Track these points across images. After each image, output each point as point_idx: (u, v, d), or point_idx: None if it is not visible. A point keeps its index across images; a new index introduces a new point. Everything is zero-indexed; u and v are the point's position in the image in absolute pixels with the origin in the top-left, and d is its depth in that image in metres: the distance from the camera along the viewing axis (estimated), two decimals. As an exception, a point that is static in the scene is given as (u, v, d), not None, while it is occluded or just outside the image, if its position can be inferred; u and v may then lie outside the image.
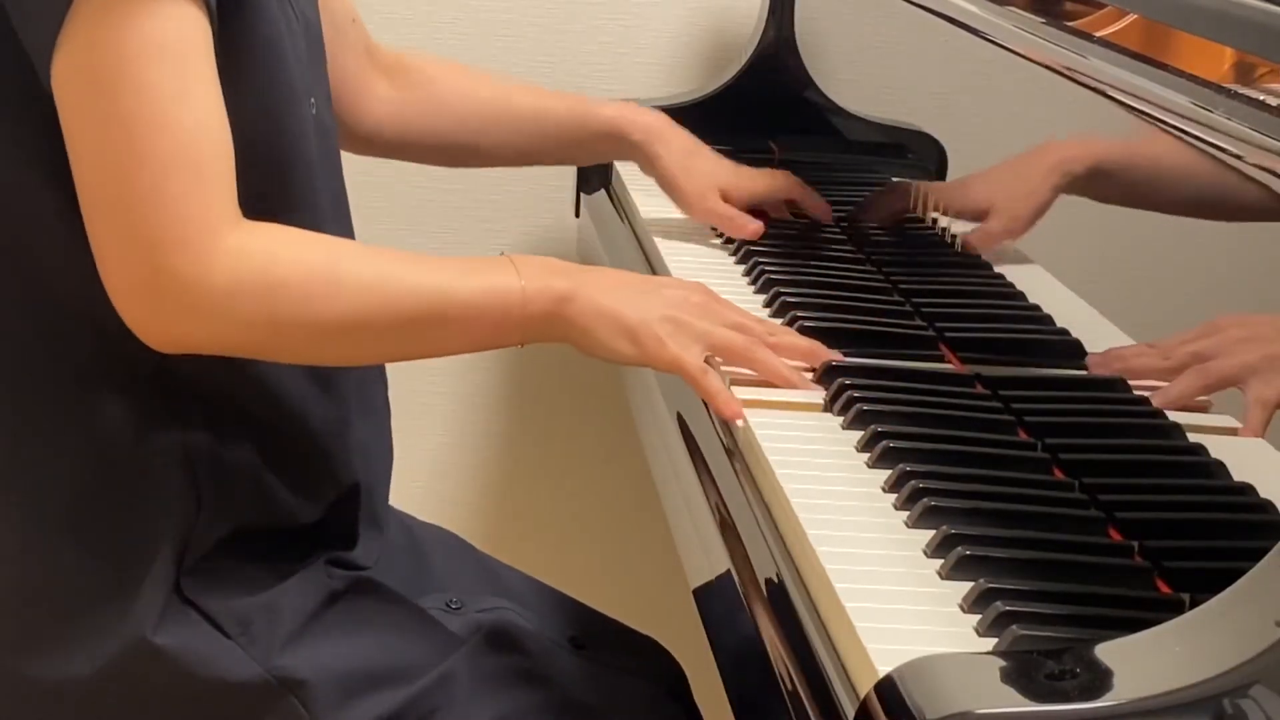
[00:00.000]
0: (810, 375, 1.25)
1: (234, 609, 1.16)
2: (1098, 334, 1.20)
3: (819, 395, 1.22)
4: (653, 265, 1.57)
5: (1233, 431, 1.04)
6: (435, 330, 1.16)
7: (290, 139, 1.18)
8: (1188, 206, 1.08)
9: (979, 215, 1.31)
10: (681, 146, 1.57)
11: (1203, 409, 1.08)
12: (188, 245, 1.06)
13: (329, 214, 1.24)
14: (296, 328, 1.11)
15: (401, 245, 2.05)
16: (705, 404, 1.25)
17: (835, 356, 1.26)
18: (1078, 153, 1.18)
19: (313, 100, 1.21)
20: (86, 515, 1.15)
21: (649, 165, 1.58)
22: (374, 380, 1.32)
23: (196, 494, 1.16)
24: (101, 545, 1.15)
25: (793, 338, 1.28)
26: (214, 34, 1.09)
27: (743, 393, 1.22)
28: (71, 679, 1.15)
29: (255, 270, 1.09)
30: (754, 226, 1.54)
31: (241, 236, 1.09)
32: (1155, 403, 1.10)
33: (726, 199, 1.56)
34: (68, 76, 1.06)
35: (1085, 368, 1.19)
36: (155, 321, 1.10)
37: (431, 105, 1.51)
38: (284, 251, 1.11)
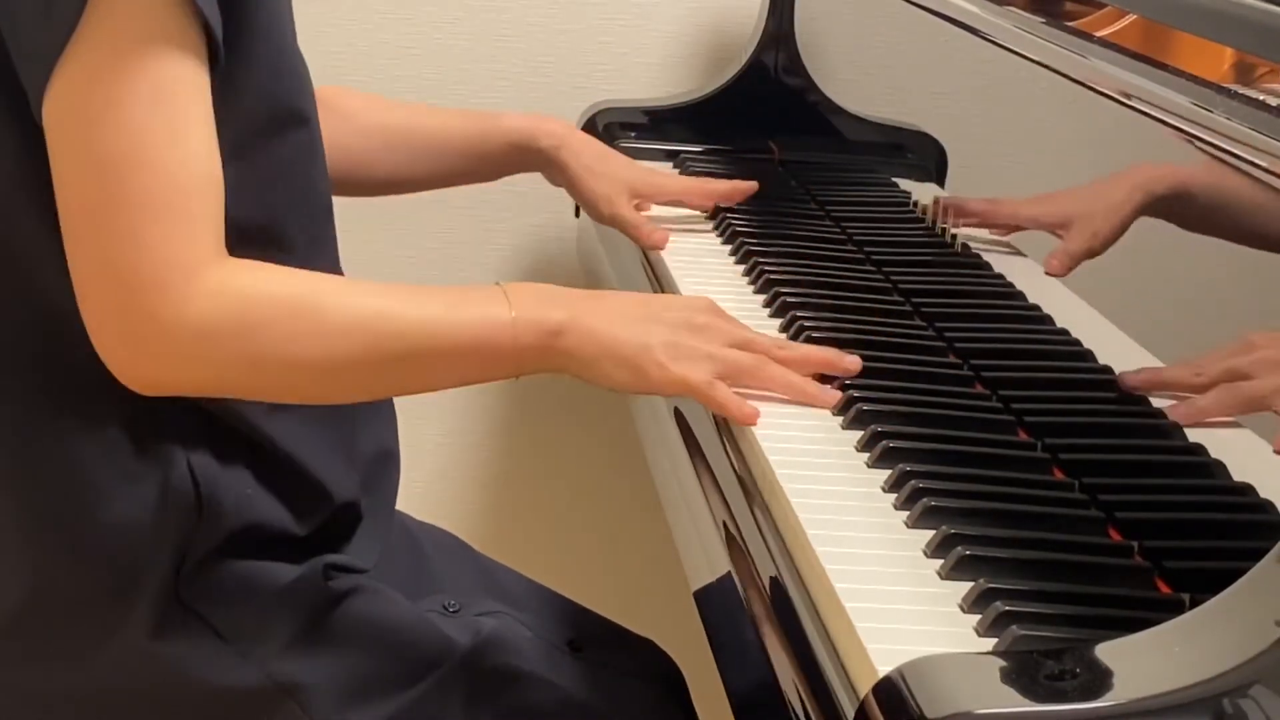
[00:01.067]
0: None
1: (232, 614, 1.16)
2: (1098, 334, 1.20)
3: (833, 399, 1.21)
4: (651, 263, 1.57)
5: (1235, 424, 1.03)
6: (422, 368, 1.14)
7: (307, 143, 1.18)
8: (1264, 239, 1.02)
9: (1055, 230, 1.25)
10: (590, 151, 1.57)
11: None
12: (164, 288, 1.05)
13: (331, 220, 1.24)
14: (276, 369, 1.09)
15: (402, 245, 2.05)
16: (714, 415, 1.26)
17: (854, 362, 1.23)
18: (1163, 174, 1.13)
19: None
20: (85, 524, 1.15)
21: (558, 173, 1.57)
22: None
23: (197, 503, 1.15)
24: (100, 554, 1.15)
25: (804, 350, 1.25)
26: (221, 59, 1.08)
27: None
28: (70, 685, 1.15)
29: (233, 312, 1.07)
30: (659, 236, 1.55)
31: (221, 276, 1.07)
32: (1181, 417, 1.08)
33: (638, 203, 1.58)
34: (57, 114, 1.05)
35: (1108, 377, 1.17)
36: (133, 364, 1.08)
37: (353, 137, 1.49)
38: (264, 290, 1.09)
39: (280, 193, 1.17)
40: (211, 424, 1.16)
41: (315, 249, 1.20)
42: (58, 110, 1.05)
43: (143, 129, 1.04)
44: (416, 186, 1.60)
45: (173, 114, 1.05)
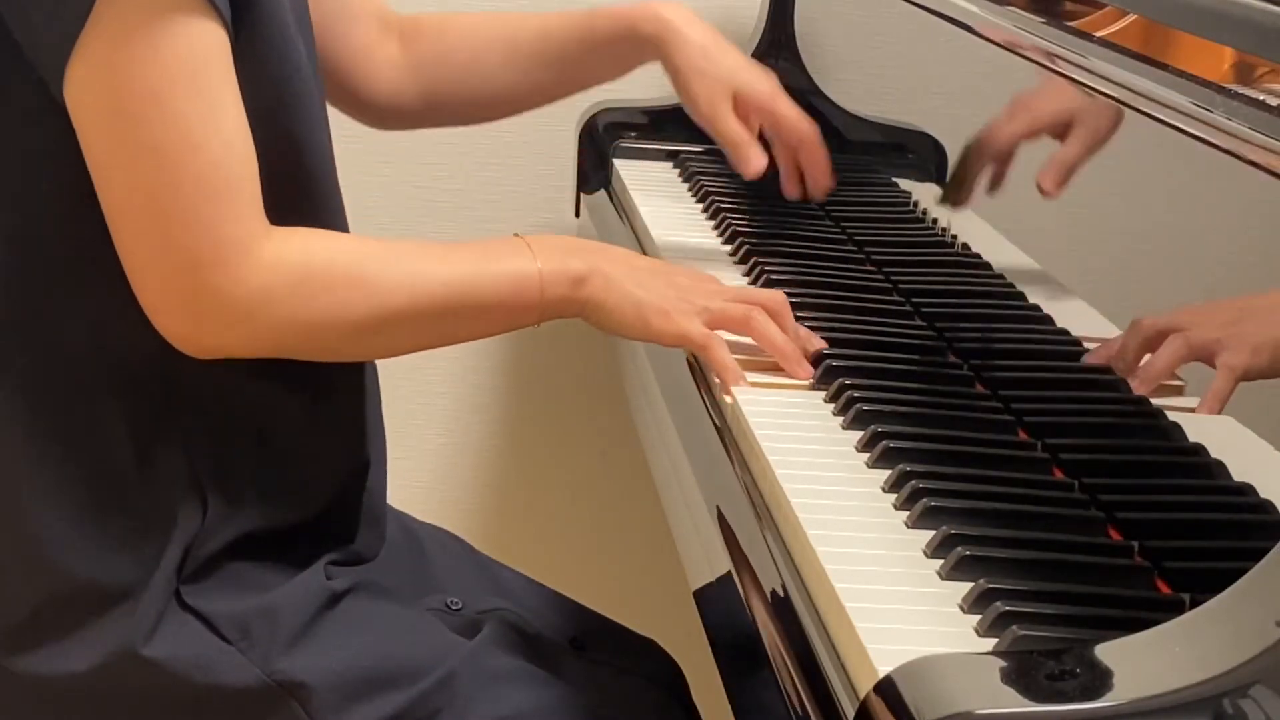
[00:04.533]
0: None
1: (233, 614, 1.16)
2: (1098, 334, 1.20)
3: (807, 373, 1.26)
4: (653, 265, 1.56)
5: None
6: (460, 319, 1.20)
7: (308, 135, 1.19)
8: None
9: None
10: (699, 40, 1.46)
11: (1178, 391, 1.09)
12: (226, 264, 1.10)
13: (340, 209, 1.25)
14: (330, 329, 1.14)
15: (401, 245, 2.05)
16: (702, 395, 1.26)
17: (821, 345, 1.29)
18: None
19: (319, 93, 1.22)
20: (88, 524, 1.15)
21: (666, 61, 1.47)
22: (367, 371, 1.33)
23: (201, 502, 1.16)
24: (103, 553, 1.15)
25: (794, 326, 1.29)
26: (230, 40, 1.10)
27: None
28: (70, 682, 1.15)
29: (291, 281, 1.12)
30: (757, 164, 1.44)
31: (275, 247, 1.12)
32: (1140, 380, 1.11)
33: (740, 105, 1.47)
34: (89, 100, 1.08)
35: (1108, 377, 1.18)
36: (197, 336, 1.13)
37: (445, 58, 1.48)
38: (316, 259, 1.14)
39: (278, 183, 1.18)
40: (218, 418, 1.17)
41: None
42: (88, 98, 1.08)
43: (185, 114, 1.08)
44: (538, 97, 1.55)
45: (210, 94, 1.08)
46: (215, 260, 1.09)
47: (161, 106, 1.07)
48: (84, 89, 1.07)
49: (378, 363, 1.33)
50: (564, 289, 1.21)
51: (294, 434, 1.21)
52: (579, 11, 1.50)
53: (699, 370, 1.34)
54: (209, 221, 1.09)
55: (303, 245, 1.14)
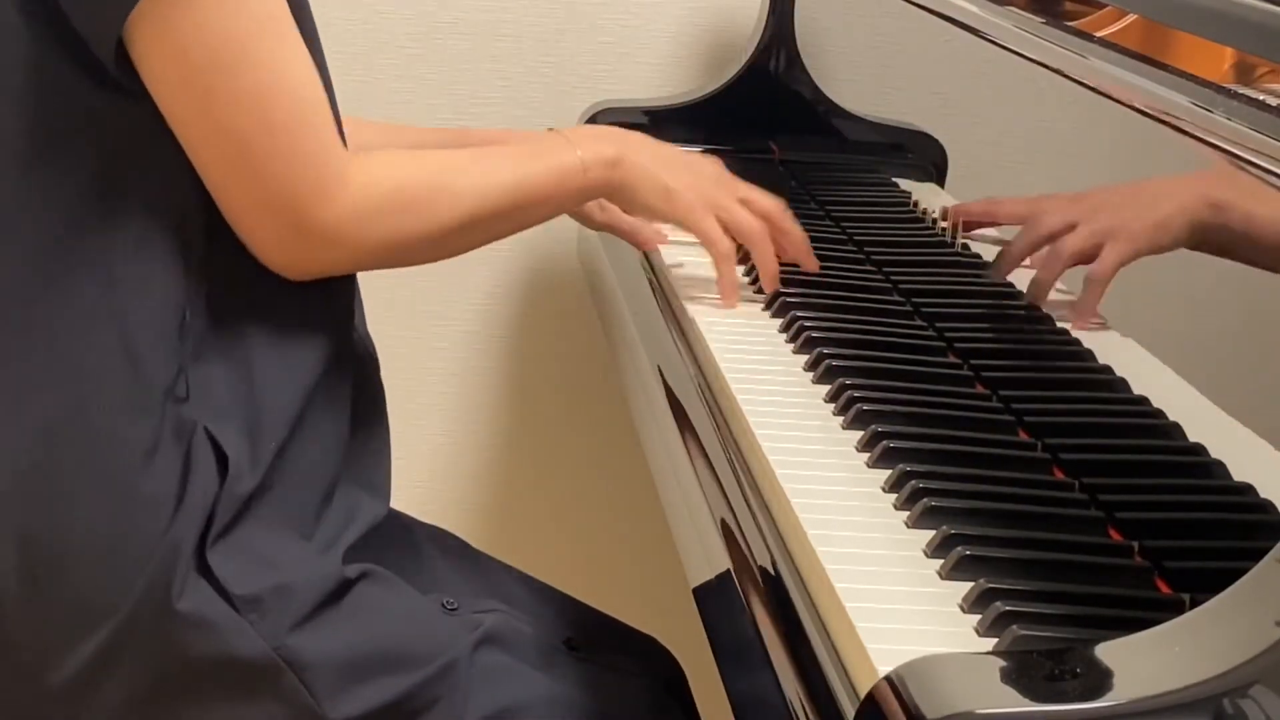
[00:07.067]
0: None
1: (249, 586, 1.17)
2: (1097, 333, 1.20)
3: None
4: (652, 264, 1.57)
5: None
6: (524, 213, 1.34)
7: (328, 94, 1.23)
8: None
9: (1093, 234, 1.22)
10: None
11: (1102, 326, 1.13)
12: (324, 194, 1.18)
13: None
14: (422, 237, 1.26)
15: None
16: (702, 395, 1.26)
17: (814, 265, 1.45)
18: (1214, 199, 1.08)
19: None
20: (106, 485, 1.16)
21: None
22: (373, 373, 1.34)
23: (220, 468, 1.17)
24: (126, 507, 1.16)
25: (799, 235, 1.46)
26: None
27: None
28: (87, 646, 1.16)
29: (385, 198, 1.23)
30: (655, 236, 1.60)
31: (362, 170, 1.21)
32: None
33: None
34: (167, 63, 1.13)
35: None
36: (300, 262, 1.22)
37: None
38: (402, 175, 1.25)
39: None
40: (229, 389, 1.20)
41: None
42: (168, 60, 1.14)
43: (271, 59, 1.16)
44: None
45: (286, 39, 1.17)
46: (314, 192, 1.18)
47: (248, 54, 1.14)
48: (158, 54, 1.13)
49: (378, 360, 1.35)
50: (603, 170, 1.36)
51: (316, 405, 1.23)
52: (456, 132, 1.65)
53: (698, 370, 1.34)
54: (305, 157, 1.17)
55: (390, 166, 1.25)
